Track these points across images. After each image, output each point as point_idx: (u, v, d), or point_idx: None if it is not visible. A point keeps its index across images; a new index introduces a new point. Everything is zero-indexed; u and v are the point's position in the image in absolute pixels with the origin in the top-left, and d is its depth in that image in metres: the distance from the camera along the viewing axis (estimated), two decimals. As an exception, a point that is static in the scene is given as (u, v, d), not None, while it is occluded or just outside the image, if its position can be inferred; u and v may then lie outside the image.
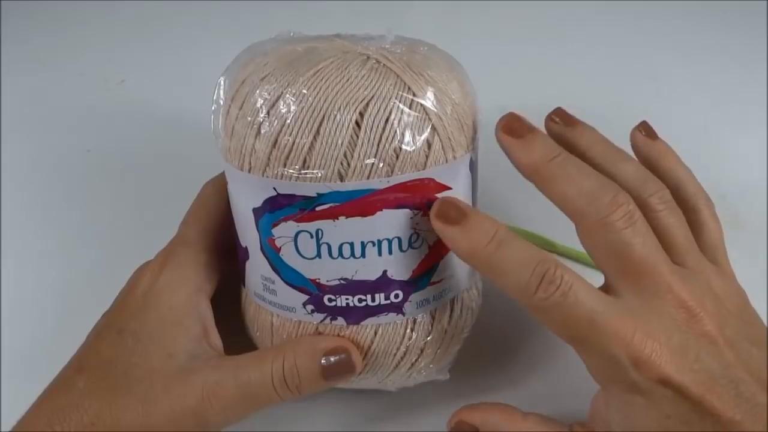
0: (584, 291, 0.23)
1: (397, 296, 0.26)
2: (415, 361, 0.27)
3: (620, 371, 0.23)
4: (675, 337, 0.23)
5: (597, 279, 0.25)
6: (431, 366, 0.28)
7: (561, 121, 0.28)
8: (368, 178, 0.24)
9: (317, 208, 0.24)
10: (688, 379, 0.23)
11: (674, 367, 0.22)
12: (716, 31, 0.62)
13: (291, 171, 0.24)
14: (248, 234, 0.27)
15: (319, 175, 0.24)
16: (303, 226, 0.25)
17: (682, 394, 0.23)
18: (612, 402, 0.24)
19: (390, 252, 0.25)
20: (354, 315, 0.26)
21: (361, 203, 0.24)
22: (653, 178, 0.26)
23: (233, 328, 0.29)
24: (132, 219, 0.42)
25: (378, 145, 0.24)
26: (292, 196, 0.24)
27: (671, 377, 0.22)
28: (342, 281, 0.25)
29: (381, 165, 0.24)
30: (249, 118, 0.25)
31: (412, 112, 0.24)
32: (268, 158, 0.24)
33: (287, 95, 0.24)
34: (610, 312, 0.23)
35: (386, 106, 0.24)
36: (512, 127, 0.26)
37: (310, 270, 0.25)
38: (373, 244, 0.25)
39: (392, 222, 0.25)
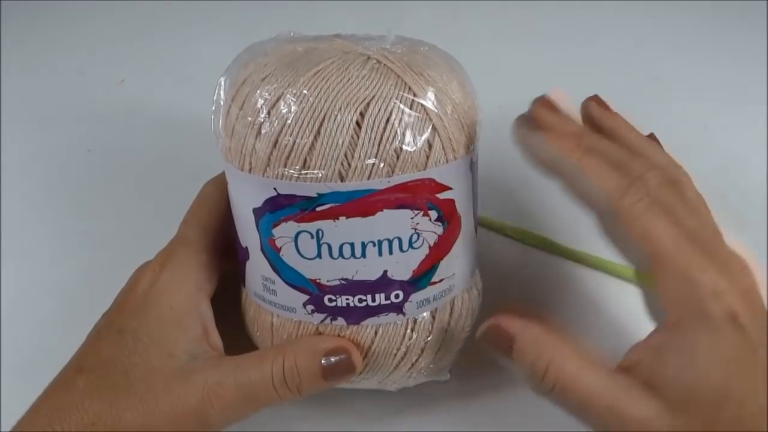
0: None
1: (397, 296, 0.26)
2: (416, 361, 0.28)
3: (698, 298, 0.23)
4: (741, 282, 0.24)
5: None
6: (431, 366, 0.28)
7: (598, 106, 0.29)
8: (369, 178, 0.24)
9: (318, 209, 0.24)
10: (751, 322, 0.23)
11: (741, 307, 0.23)
12: (716, 31, 0.62)
13: (291, 171, 0.24)
14: (248, 234, 0.27)
15: (320, 175, 0.24)
16: (303, 226, 0.25)
17: (746, 337, 0.22)
18: (675, 342, 0.23)
19: (390, 252, 0.25)
20: (354, 315, 0.26)
21: (361, 203, 0.24)
22: (680, 166, 0.27)
23: (233, 328, 0.29)
24: (132, 219, 0.42)
25: (378, 145, 0.24)
26: (292, 197, 0.24)
27: (739, 315, 0.22)
28: (342, 281, 0.25)
29: (381, 165, 0.24)
30: (249, 118, 0.25)
31: (413, 113, 0.24)
32: (269, 158, 0.24)
33: (288, 95, 0.24)
34: (691, 241, 0.24)
35: (387, 106, 0.24)
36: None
37: (311, 270, 0.25)
38: (374, 245, 0.25)
39: (393, 222, 0.25)
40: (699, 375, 0.23)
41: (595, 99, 0.30)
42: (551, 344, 0.24)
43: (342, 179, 0.24)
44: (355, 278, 0.25)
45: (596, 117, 0.29)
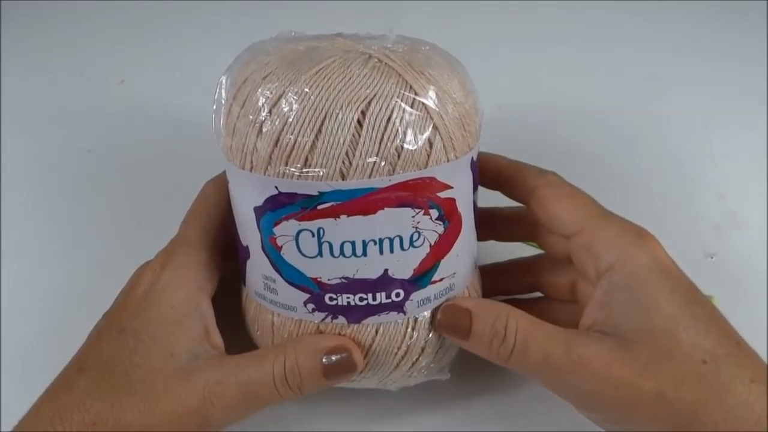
0: None
1: (398, 295, 0.26)
2: (416, 360, 0.27)
3: (626, 246, 0.26)
4: None
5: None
6: (432, 365, 0.28)
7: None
8: (370, 176, 0.24)
9: (319, 207, 0.24)
10: (672, 265, 0.27)
11: (662, 253, 0.27)
12: (716, 31, 0.62)
13: (293, 170, 0.24)
14: (249, 233, 0.27)
15: (321, 173, 0.24)
16: (304, 224, 0.25)
17: (674, 274, 0.26)
18: (613, 286, 0.26)
19: (391, 251, 0.25)
20: (355, 314, 0.26)
21: (362, 202, 0.24)
22: None
23: (234, 327, 0.29)
24: (132, 219, 0.42)
25: (380, 143, 0.24)
26: (293, 195, 0.24)
27: (663, 259, 0.26)
28: (343, 280, 0.25)
29: (383, 164, 0.24)
30: (251, 117, 0.25)
31: (414, 111, 0.24)
32: (270, 157, 0.24)
33: (289, 94, 0.24)
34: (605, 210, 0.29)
35: (388, 104, 0.24)
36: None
37: (312, 269, 0.25)
38: (375, 243, 0.25)
39: (394, 221, 0.25)
40: (646, 307, 0.25)
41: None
42: (505, 308, 0.26)
43: (343, 178, 0.24)
44: (355, 277, 0.25)
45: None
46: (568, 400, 0.26)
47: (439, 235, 0.26)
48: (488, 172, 0.31)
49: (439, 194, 0.25)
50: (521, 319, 0.26)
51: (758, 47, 0.58)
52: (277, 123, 0.24)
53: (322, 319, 0.26)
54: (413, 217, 0.25)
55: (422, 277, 0.26)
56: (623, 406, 0.24)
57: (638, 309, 0.25)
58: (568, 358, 0.24)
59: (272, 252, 0.26)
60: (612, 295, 0.26)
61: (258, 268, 0.27)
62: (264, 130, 0.24)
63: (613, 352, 0.24)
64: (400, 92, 0.24)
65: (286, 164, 0.24)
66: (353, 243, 0.25)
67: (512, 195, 0.31)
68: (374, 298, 0.26)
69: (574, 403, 0.26)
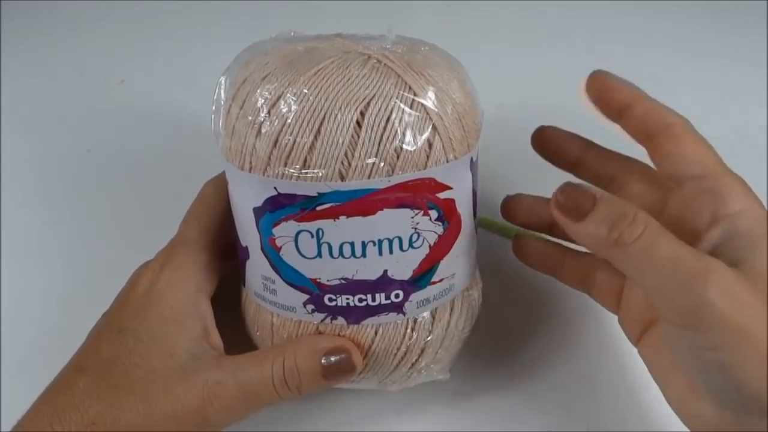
0: None
1: (397, 296, 0.26)
2: (416, 360, 0.27)
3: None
4: None
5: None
6: (432, 366, 0.28)
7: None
8: (369, 177, 0.24)
9: (318, 208, 0.24)
10: None
11: None
12: (716, 31, 0.62)
13: (292, 170, 0.24)
14: (249, 234, 0.27)
15: (320, 174, 0.24)
16: (304, 225, 0.25)
17: None
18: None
19: (390, 251, 0.25)
20: (354, 314, 0.26)
21: (361, 203, 0.24)
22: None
23: (233, 327, 0.29)
24: (132, 219, 0.42)
25: (379, 144, 0.24)
26: (292, 196, 0.24)
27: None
28: (342, 281, 0.25)
29: (382, 164, 0.24)
30: (250, 118, 0.25)
31: (413, 112, 0.24)
32: (269, 158, 0.24)
33: (288, 94, 0.24)
34: None
35: (387, 105, 0.24)
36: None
37: (311, 269, 0.25)
38: (374, 244, 0.25)
39: (393, 221, 0.25)
40: None
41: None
42: (630, 204, 0.24)
43: (342, 178, 0.24)
44: (355, 278, 0.25)
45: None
46: (672, 312, 0.24)
47: (439, 235, 0.26)
48: (618, 101, 0.29)
49: (438, 195, 0.25)
50: (650, 218, 0.24)
51: (758, 47, 0.58)
52: (276, 124, 0.24)
53: (322, 320, 0.26)
54: (412, 217, 0.25)
55: (422, 277, 0.26)
56: (740, 329, 0.22)
57: (761, 251, 0.24)
58: (699, 264, 0.23)
59: (271, 253, 0.26)
60: (735, 237, 0.25)
61: (257, 268, 0.27)
62: (263, 130, 0.24)
63: (739, 274, 0.23)
64: (399, 93, 0.24)
65: (285, 165, 0.24)
66: (352, 244, 0.25)
67: (636, 129, 0.29)
68: (373, 299, 0.26)
69: (677, 318, 0.24)
